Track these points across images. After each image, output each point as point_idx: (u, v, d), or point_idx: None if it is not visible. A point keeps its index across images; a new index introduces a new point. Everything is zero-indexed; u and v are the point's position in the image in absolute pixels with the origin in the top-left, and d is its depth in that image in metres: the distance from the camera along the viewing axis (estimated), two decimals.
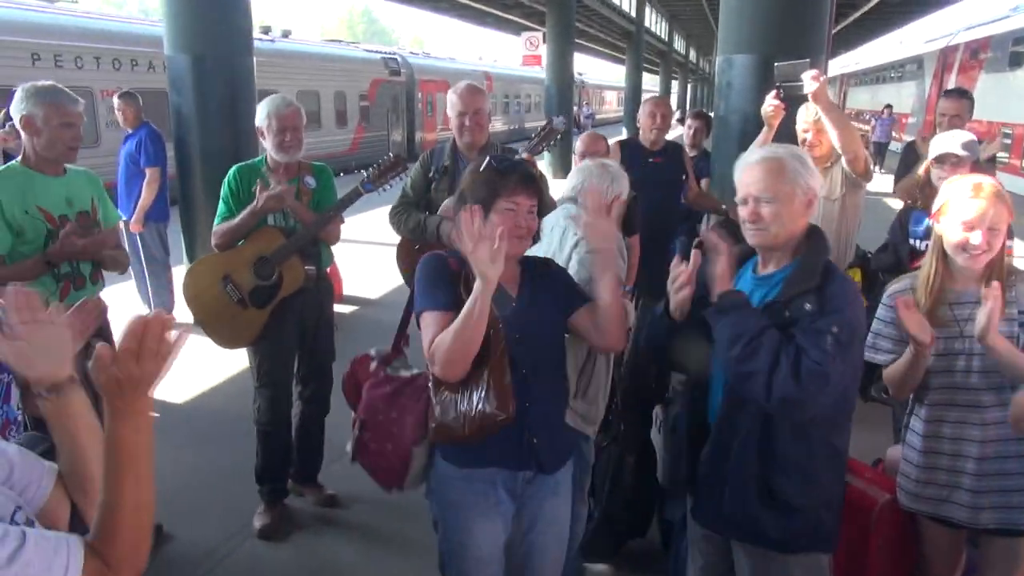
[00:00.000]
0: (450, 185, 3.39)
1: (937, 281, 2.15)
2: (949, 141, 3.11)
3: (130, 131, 6.08)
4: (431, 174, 3.50)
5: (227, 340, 3.34)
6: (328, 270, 7.00)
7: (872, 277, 4.40)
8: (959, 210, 2.06)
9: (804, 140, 3.53)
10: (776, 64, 3.50)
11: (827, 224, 3.44)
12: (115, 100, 6.14)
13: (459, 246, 1.85)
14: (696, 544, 2.21)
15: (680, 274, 1.96)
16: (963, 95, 4.42)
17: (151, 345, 1.11)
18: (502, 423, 1.90)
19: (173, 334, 1.13)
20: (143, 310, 6.21)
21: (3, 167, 2.86)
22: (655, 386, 3.03)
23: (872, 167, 3.40)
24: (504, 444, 1.98)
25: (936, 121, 4.36)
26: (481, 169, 2.01)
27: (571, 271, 2.73)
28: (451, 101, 3.39)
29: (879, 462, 2.95)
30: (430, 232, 3.36)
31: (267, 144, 3.21)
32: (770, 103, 3.45)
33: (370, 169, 3.35)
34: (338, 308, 6.84)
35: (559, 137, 3.43)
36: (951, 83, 18.52)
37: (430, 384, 2.01)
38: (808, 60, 3.42)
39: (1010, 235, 2.23)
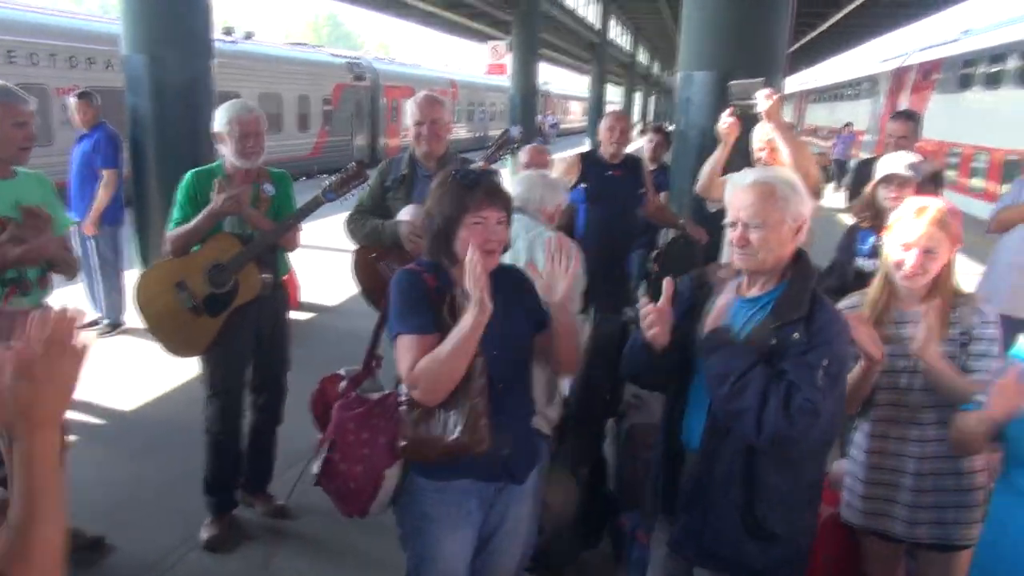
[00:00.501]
0: (406, 194, 3.39)
1: (883, 298, 2.22)
2: (894, 162, 3.20)
3: (85, 131, 5.95)
4: (387, 183, 3.51)
5: (179, 348, 3.27)
6: (285, 277, 6.92)
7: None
8: (900, 231, 2.15)
9: (759, 158, 3.61)
10: (731, 82, 3.58)
11: None
12: (72, 100, 5.99)
13: (422, 254, 1.97)
14: (658, 565, 2.19)
15: (649, 314, 1.90)
16: (910, 117, 4.56)
17: (57, 346, 1.03)
18: (477, 455, 1.90)
19: (83, 336, 1.05)
20: (93, 314, 6.10)
21: None
22: (608, 399, 3.06)
23: (823, 185, 3.48)
24: (478, 458, 1.95)
25: (885, 141, 4.48)
26: (446, 183, 1.98)
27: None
28: (409, 110, 3.40)
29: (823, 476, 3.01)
30: (386, 235, 3.34)
31: (226, 150, 3.15)
32: (725, 120, 3.52)
33: (332, 178, 3.29)
34: (294, 315, 6.76)
35: (516, 146, 3.45)
36: (904, 102, 19.04)
37: (402, 404, 1.97)
38: (762, 79, 3.50)
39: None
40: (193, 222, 3.07)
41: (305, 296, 7.07)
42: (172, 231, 3.15)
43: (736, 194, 1.90)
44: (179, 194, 3.18)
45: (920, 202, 2.17)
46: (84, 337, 1.06)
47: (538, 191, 2.95)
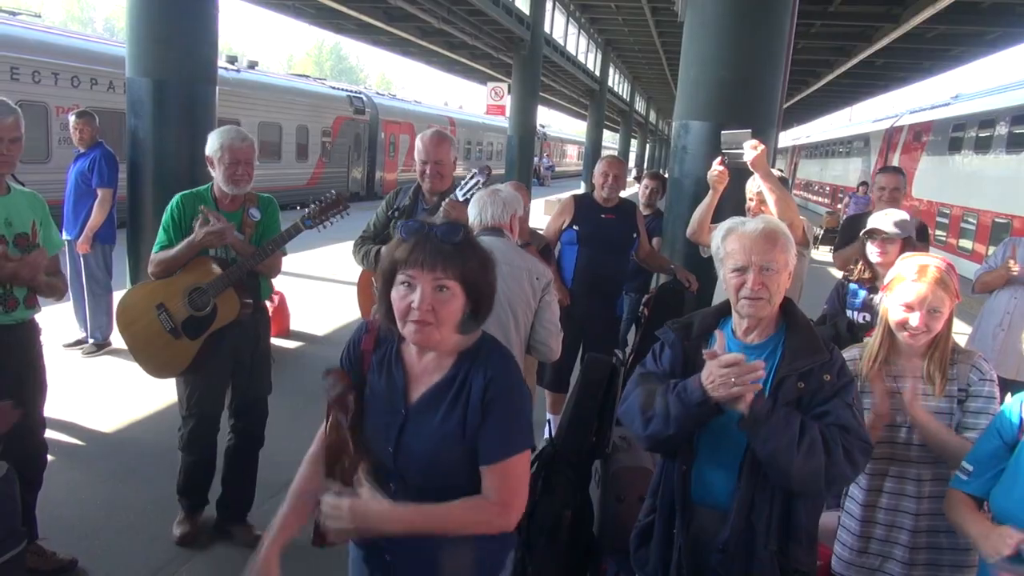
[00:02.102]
0: None
1: (882, 353, 2.23)
2: (882, 219, 3.25)
3: (83, 150, 5.97)
4: (391, 212, 3.63)
5: (157, 369, 3.29)
6: (275, 304, 6.91)
7: None
8: (902, 290, 2.15)
9: (748, 208, 3.66)
10: (722, 132, 3.66)
11: None
12: (71, 118, 6.03)
13: None
14: None
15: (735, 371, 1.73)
16: (897, 171, 4.67)
17: None
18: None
19: None
20: (78, 333, 6.06)
21: None
22: (595, 440, 3.05)
23: (811, 235, 3.55)
24: (361, 558, 1.79)
25: (876, 196, 4.55)
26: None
27: (541, 323, 3.00)
28: (417, 147, 3.49)
29: None
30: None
31: (216, 174, 3.19)
32: (715, 168, 3.60)
33: (311, 206, 3.33)
34: (283, 343, 6.76)
35: (483, 179, 3.50)
36: (895, 161, 19.37)
37: None
38: (750, 130, 3.57)
39: None
40: (175, 249, 3.11)
41: (295, 324, 7.06)
42: (156, 254, 3.19)
43: (744, 240, 1.87)
44: (165, 216, 3.22)
45: (921, 261, 2.18)
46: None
47: (488, 209, 3.03)
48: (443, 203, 3.29)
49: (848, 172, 25.69)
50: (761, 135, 5.07)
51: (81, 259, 5.91)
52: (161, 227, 3.22)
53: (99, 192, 5.84)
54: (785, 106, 5.52)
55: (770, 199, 3.46)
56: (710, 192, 3.71)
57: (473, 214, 3.04)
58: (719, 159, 3.61)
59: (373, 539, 1.67)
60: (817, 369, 1.84)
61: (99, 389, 5.07)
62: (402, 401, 1.67)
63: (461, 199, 3.32)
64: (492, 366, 1.63)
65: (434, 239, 1.55)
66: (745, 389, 1.72)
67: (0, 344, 2.80)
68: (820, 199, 29.53)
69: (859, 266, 3.41)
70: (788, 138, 42.90)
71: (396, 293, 1.56)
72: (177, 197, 3.24)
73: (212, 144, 3.18)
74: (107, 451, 4.26)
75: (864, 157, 24.37)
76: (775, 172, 3.64)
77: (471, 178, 3.39)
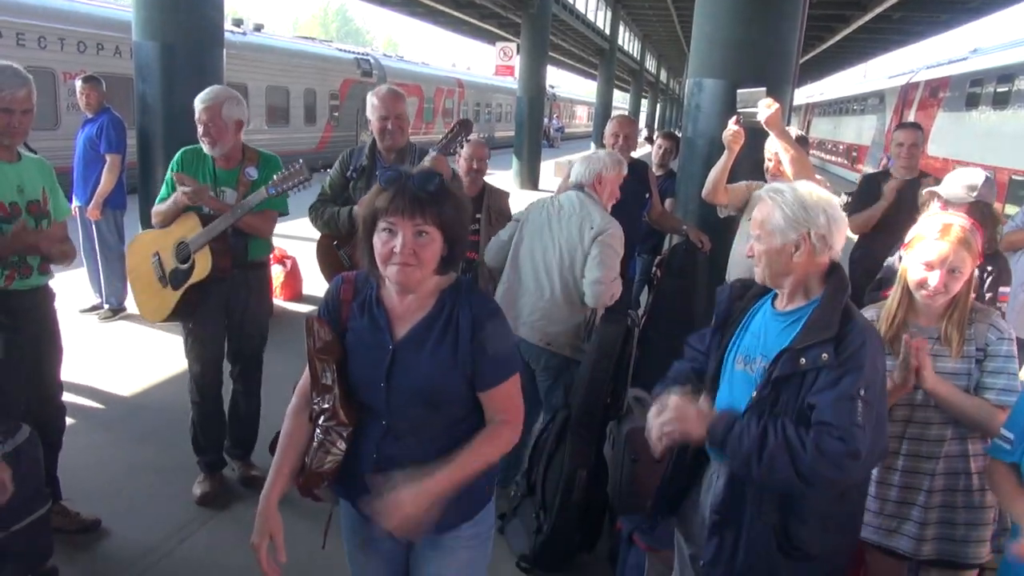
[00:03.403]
0: (367, 184, 3.46)
1: (900, 314, 2.18)
2: (957, 183, 3.07)
3: (91, 116, 5.95)
4: (349, 173, 3.61)
5: (148, 312, 3.52)
6: (287, 268, 6.94)
7: None
8: (923, 249, 2.10)
9: (767, 169, 3.62)
10: (738, 91, 3.60)
11: None
12: (78, 83, 6.00)
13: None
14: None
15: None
16: (916, 126, 4.58)
17: None
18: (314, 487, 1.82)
19: None
20: (93, 299, 6.10)
21: None
22: (610, 401, 3.06)
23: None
24: (353, 484, 1.82)
25: (895, 152, 4.48)
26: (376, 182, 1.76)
27: (588, 265, 3.18)
28: (372, 104, 3.45)
29: None
30: (342, 222, 3.48)
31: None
32: (730, 128, 3.54)
33: (276, 174, 3.34)
34: (295, 306, 6.80)
35: (467, 136, 3.51)
36: (911, 118, 19.06)
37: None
38: (764, 88, 3.52)
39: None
40: (165, 205, 3.31)
41: (308, 288, 7.09)
42: (156, 206, 3.37)
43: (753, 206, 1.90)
44: (168, 171, 3.37)
45: (944, 219, 2.13)
46: None
47: (576, 168, 3.43)
48: (427, 158, 3.33)
49: (862, 130, 25.28)
50: (776, 93, 4.98)
51: (93, 225, 5.93)
52: (165, 183, 3.39)
53: (108, 158, 5.84)
54: (800, 61, 5.41)
55: (785, 158, 3.42)
56: (725, 152, 3.65)
57: (582, 168, 3.40)
58: (734, 118, 3.55)
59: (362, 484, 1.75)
60: (816, 347, 1.75)
61: (116, 353, 5.12)
62: (388, 338, 1.75)
63: (440, 153, 3.39)
64: (475, 304, 1.75)
65: (411, 188, 1.64)
66: (681, 430, 1.84)
67: (16, 309, 2.83)
68: (833, 158, 29.16)
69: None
70: (801, 95, 42.24)
71: (378, 239, 1.66)
72: (179, 153, 3.42)
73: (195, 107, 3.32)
74: (126, 414, 4.32)
75: (879, 115, 23.98)
76: (793, 131, 3.58)
77: (451, 132, 3.44)
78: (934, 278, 2.08)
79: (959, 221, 2.12)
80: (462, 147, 3.71)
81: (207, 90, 3.35)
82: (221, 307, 3.42)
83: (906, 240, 2.21)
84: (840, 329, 1.77)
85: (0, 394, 2.74)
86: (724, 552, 1.91)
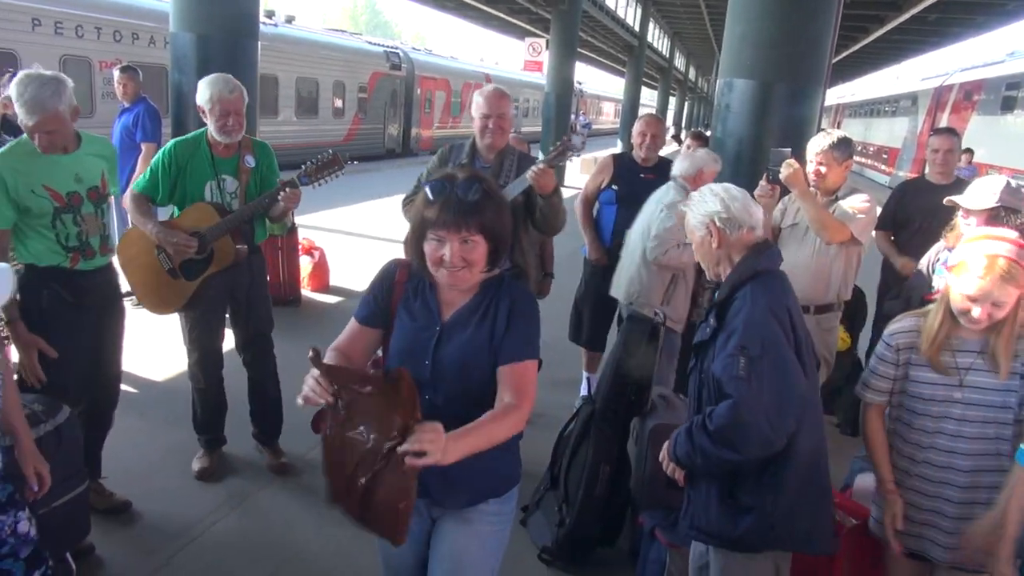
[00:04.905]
0: None
1: (943, 332, 2.13)
2: (983, 191, 3.03)
3: (127, 105, 6.06)
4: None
5: (154, 306, 3.51)
6: (316, 260, 7.01)
7: (856, 310, 4.48)
8: (966, 282, 2.03)
9: (811, 175, 3.60)
10: (772, 149, 3.67)
11: (820, 259, 3.51)
12: (115, 73, 6.13)
13: None
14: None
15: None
16: (951, 132, 4.54)
17: None
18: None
19: None
20: (126, 285, 6.20)
21: (12, 144, 2.84)
22: (634, 398, 3.08)
23: (863, 236, 3.47)
24: None
25: (928, 158, 4.44)
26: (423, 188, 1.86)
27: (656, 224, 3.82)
28: (476, 102, 3.42)
29: (848, 487, 3.01)
30: None
31: (208, 124, 3.33)
32: (762, 187, 3.52)
33: (308, 163, 3.43)
34: (323, 297, 6.88)
35: (576, 154, 3.41)
36: (944, 122, 18.78)
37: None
38: (789, 149, 3.58)
39: None
40: (149, 224, 3.30)
41: (335, 280, 7.17)
42: (136, 194, 3.38)
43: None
44: (155, 159, 3.38)
45: (989, 250, 2.03)
46: None
47: (680, 164, 4.04)
48: (531, 169, 3.20)
49: (894, 132, 24.97)
50: (808, 93, 4.98)
51: (127, 212, 6.03)
52: (149, 168, 3.38)
53: (143, 147, 5.94)
54: (832, 61, 5.37)
55: (808, 218, 3.45)
56: (762, 211, 3.60)
57: (685, 165, 3.98)
58: (765, 175, 3.55)
59: None
60: (710, 314, 2.15)
61: (148, 339, 5.22)
62: (438, 319, 1.89)
63: (546, 165, 3.23)
64: (514, 293, 1.90)
65: (455, 199, 1.75)
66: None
67: (82, 288, 2.96)
68: (864, 160, 28.81)
69: (955, 231, 3.16)
70: (832, 96, 41.74)
71: (428, 246, 1.79)
72: (171, 143, 3.41)
73: (202, 94, 3.29)
74: (159, 398, 4.41)
75: (911, 117, 23.67)
76: (837, 133, 3.57)
77: (560, 144, 3.31)
78: (977, 311, 2.03)
79: (1004, 250, 2.02)
80: (570, 160, 3.64)
81: (222, 80, 3.31)
82: (226, 293, 3.49)
83: (950, 262, 2.15)
84: (729, 296, 2.09)
85: (57, 371, 2.85)
86: (687, 505, 2.24)
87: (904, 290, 3.58)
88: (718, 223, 2.16)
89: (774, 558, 2.16)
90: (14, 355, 2.80)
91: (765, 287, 2.08)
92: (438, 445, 1.53)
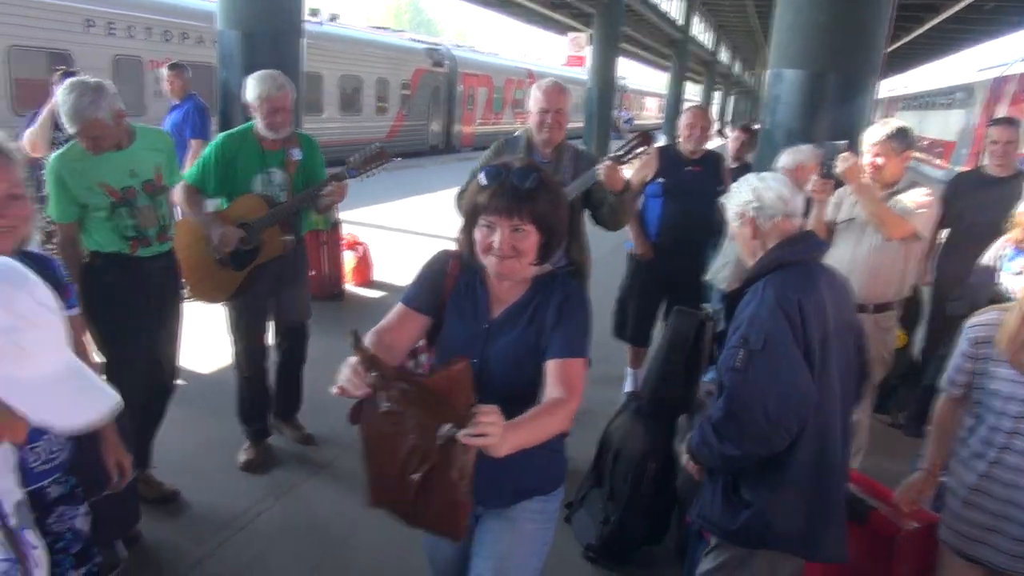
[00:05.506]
0: None
1: (1023, 335, 2.05)
2: None
3: (176, 102, 6.17)
4: None
5: (205, 295, 3.62)
6: (359, 255, 7.06)
7: (911, 308, 4.33)
8: None
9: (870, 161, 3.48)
10: (825, 143, 3.53)
11: (880, 256, 3.38)
12: (164, 71, 6.24)
13: None
14: None
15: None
16: (1012, 122, 4.36)
17: None
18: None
19: None
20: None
21: (67, 146, 2.97)
22: (681, 395, 3.02)
23: (925, 230, 3.32)
24: None
25: (987, 149, 4.28)
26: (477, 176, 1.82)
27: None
28: (535, 96, 3.35)
29: None
30: None
31: (256, 120, 3.41)
32: (814, 180, 3.40)
33: (355, 156, 3.49)
34: (366, 292, 6.92)
35: (645, 149, 3.28)
36: (1002, 114, 18.16)
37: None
38: (845, 142, 3.45)
39: None
40: (198, 216, 3.44)
41: (378, 275, 7.22)
42: (187, 186, 3.42)
43: None
44: (206, 152, 3.46)
45: None
46: None
47: (783, 157, 4.02)
48: (599, 167, 3.15)
49: (948, 125, 24.24)
50: (861, 84, 4.83)
51: (176, 208, 6.13)
52: (200, 160, 3.46)
53: (192, 143, 6.04)
54: (886, 52, 5.20)
55: (867, 213, 3.30)
56: (815, 206, 3.49)
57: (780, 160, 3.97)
58: (819, 169, 3.42)
59: None
60: (722, 306, 2.24)
61: (195, 332, 5.30)
62: (485, 317, 1.85)
63: (613, 161, 3.17)
64: (567, 289, 1.85)
65: (509, 186, 1.72)
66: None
67: (142, 273, 3.09)
68: (916, 154, 28.02)
69: (1022, 225, 3.05)
70: (883, 90, 40.69)
71: (479, 233, 1.76)
72: (221, 137, 3.51)
73: (250, 91, 3.38)
74: (205, 390, 4.48)
75: (967, 109, 22.94)
76: (895, 123, 3.43)
77: (629, 142, 3.26)
78: None
79: None
80: (639, 158, 3.46)
81: (270, 77, 3.37)
82: (272, 283, 3.56)
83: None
84: (741, 289, 2.08)
85: (119, 359, 3.00)
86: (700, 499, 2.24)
87: (967, 290, 3.45)
88: (751, 213, 2.13)
89: (770, 558, 2.11)
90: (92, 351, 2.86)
91: (782, 280, 2.01)
92: (498, 428, 1.46)
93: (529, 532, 1.91)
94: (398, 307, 1.91)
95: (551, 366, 1.76)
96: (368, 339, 1.78)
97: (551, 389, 1.73)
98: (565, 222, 1.84)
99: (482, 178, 1.76)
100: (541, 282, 1.86)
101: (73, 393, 0.94)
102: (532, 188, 1.72)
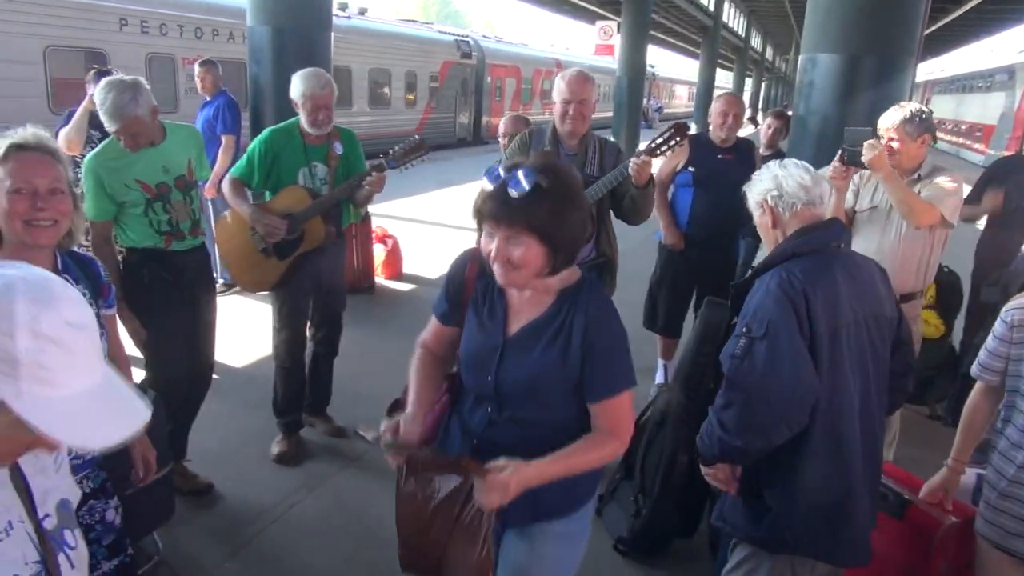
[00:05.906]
0: None
1: None
2: None
3: (208, 98, 6.23)
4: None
5: (249, 284, 3.76)
6: (389, 248, 7.08)
7: (950, 296, 4.23)
8: None
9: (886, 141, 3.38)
10: (845, 128, 3.34)
11: (908, 245, 3.29)
12: (196, 67, 6.31)
13: None
14: None
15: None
16: None
17: None
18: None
19: None
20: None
21: (103, 145, 3.04)
22: (712, 387, 2.97)
23: (953, 218, 3.21)
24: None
25: None
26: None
27: None
28: (558, 87, 3.28)
29: None
30: None
31: (301, 116, 3.48)
32: (834, 166, 3.26)
33: (395, 148, 3.57)
34: (396, 285, 6.94)
35: (679, 141, 3.24)
36: None
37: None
38: (871, 128, 3.27)
39: None
40: (244, 208, 3.47)
41: (408, 267, 7.24)
42: (233, 178, 3.52)
43: None
44: (253, 146, 3.53)
45: None
46: None
47: None
48: (633, 160, 3.11)
49: (987, 109, 23.63)
50: (898, 66, 4.71)
51: (209, 203, 6.21)
52: (246, 155, 3.54)
53: (223, 139, 6.10)
54: (924, 33, 5.06)
55: (894, 201, 3.20)
56: (834, 193, 3.38)
57: None
58: (840, 155, 3.27)
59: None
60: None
61: (229, 326, 5.37)
62: (501, 333, 1.75)
63: (646, 155, 3.12)
64: (592, 307, 1.70)
65: (502, 194, 1.59)
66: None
67: (177, 267, 3.15)
68: (955, 138, 27.37)
69: None
70: (920, 73, 39.76)
71: (483, 240, 1.68)
72: (267, 132, 3.58)
73: (296, 89, 3.46)
74: (239, 384, 4.53)
75: (1007, 92, 22.33)
76: (907, 105, 3.32)
77: (665, 133, 3.21)
78: None
79: None
80: (673, 151, 3.41)
81: (314, 74, 3.46)
82: (313, 273, 3.62)
83: None
84: (750, 280, 2.05)
85: (157, 353, 3.09)
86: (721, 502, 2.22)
87: (1003, 276, 3.35)
88: (770, 201, 2.10)
89: (792, 562, 2.05)
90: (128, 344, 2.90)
91: (789, 270, 1.94)
92: (492, 497, 1.57)
93: (550, 556, 1.85)
94: (432, 320, 1.94)
95: (594, 409, 1.72)
96: (417, 353, 1.92)
97: (595, 427, 1.72)
98: (577, 228, 1.66)
99: (486, 182, 1.65)
100: (567, 293, 1.73)
101: (103, 412, 0.92)
102: (527, 196, 1.56)
